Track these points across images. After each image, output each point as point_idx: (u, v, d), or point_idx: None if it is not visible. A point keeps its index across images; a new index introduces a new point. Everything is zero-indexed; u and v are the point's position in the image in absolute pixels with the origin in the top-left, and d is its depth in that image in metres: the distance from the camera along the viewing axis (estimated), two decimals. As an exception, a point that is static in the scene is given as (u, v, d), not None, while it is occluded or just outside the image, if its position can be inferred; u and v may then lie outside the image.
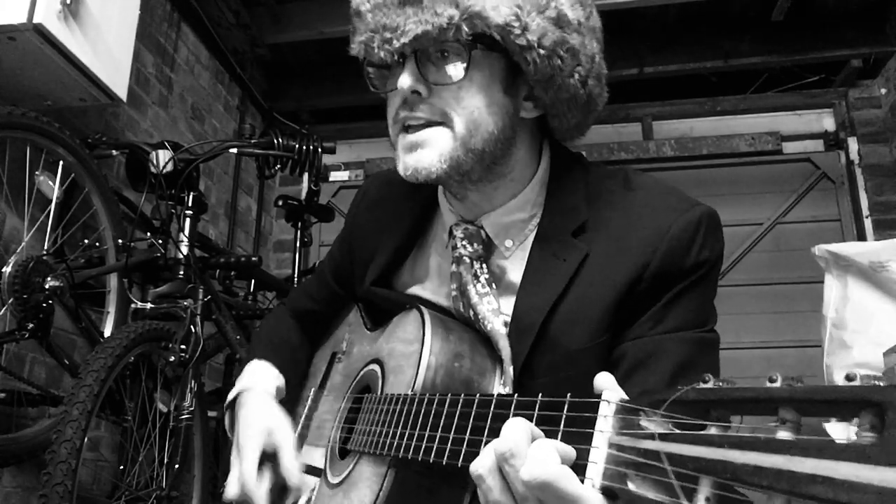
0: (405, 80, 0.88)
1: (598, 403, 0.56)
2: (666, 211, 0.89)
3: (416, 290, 1.07)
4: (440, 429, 0.76)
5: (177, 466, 1.87)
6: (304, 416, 1.18)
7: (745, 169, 3.87)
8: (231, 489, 1.02)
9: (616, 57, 3.76)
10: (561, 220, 0.94)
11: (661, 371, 0.84)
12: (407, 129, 0.92)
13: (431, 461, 0.75)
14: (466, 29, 0.85)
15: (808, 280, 3.38)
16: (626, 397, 0.57)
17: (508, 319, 0.93)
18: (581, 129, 1.00)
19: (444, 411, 0.76)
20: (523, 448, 0.58)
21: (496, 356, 0.93)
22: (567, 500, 0.54)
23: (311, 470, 1.06)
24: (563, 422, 0.59)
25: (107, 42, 2.18)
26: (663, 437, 0.48)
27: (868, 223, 3.61)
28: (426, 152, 0.89)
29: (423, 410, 0.80)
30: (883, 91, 3.73)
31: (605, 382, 0.59)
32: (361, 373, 1.07)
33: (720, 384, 0.48)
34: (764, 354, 3.57)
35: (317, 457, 1.07)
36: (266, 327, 1.30)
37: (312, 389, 1.21)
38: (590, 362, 0.87)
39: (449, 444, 0.73)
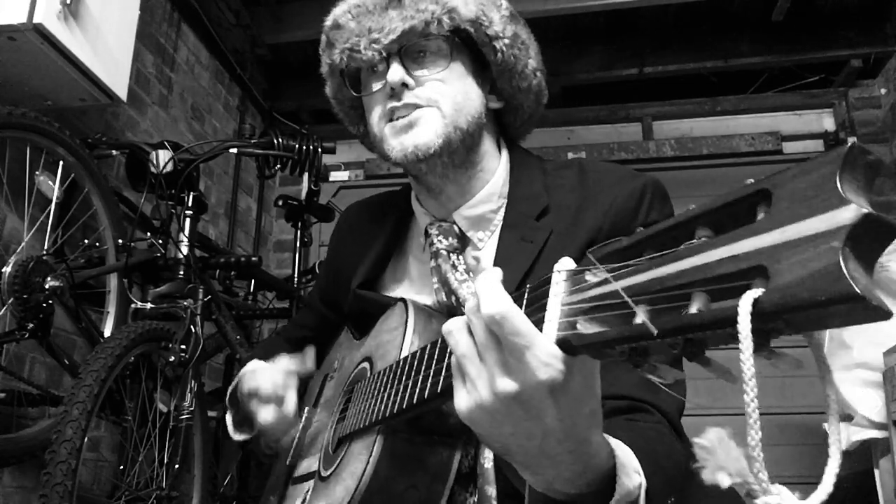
0: (395, 74, 0.97)
1: (550, 276, 0.60)
2: (614, 183, 0.99)
3: (398, 292, 1.12)
4: (421, 373, 0.78)
5: (177, 466, 1.87)
6: (297, 434, 1.19)
7: (745, 169, 3.86)
8: (263, 415, 1.10)
9: (616, 57, 3.77)
10: (525, 208, 1.02)
11: None
12: (395, 119, 0.99)
13: (416, 401, 0.76)
14: (447, 21, 0.96)
15: (808, 280, 3.38)
16: (576, 266, 0.60)
17: None
18: (531, 123, 1.12)
19: (426, 355, 0.78)
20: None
21: None
22: (520, 337, 0.56)
23: (307, 477, 1.06)
24: (524, 303, 0.62)
25: (107, 42, 2.18)
26: (601, 283, 0.53)
27: (868, 223, 3.61)
28: (421, 130, 0.97)
29: (406, 367, 0.82)
30: (883, 91, 3.73)
31: (563, 260, 0.62)
32: (352, 374, 1.08)
33: (646, 228, 0.52)
34: (764, 354, 3.57)
35: (313, 466, 1.08)
36: (260, 347, 1.39)
37: (306, 409, 1.22)
38: None
39: (430, 381, 0.75)
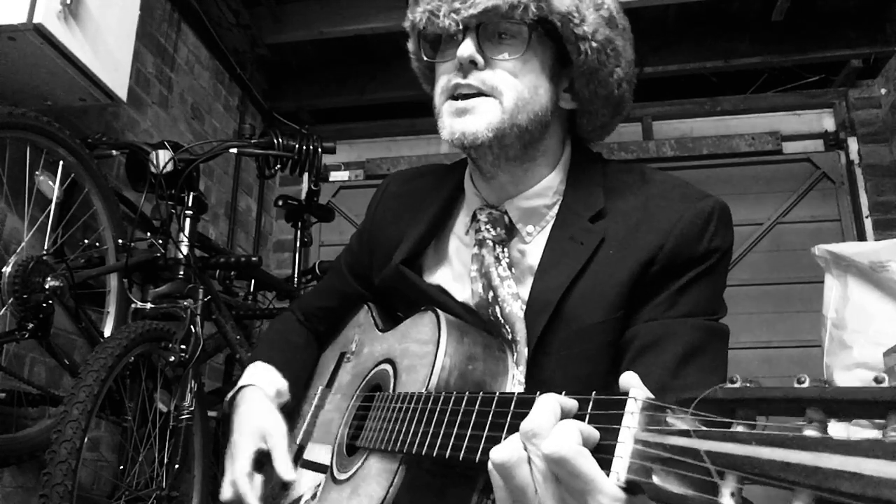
0: (466, 49, 0.93)
1: (624, 400, 0.56)
2: (680, 200, 0.94)
3: (438, 273, 1.09)
4: (457, 425, 0.76)
5: (177, 466, 1.87)
6: (310, 414, 1.18)
7: (745, 169, 3.87)
8: (225, 491, 1.05)
9: (616, 57, 3.76)
10: (580, 207, 0.98)
11: (671, 353, 0.86)
12: (455, 97, 0.95)
13: (447, 456, 0.74)
14: (533, 9, 0.91)
15: (808, 280, 3.38)
16: (652, 396, 0.57)
17: (525, 302, 0.96)
18: (605, 131, 1.06)
19: (462, 409, 0.76)
20: (547, 427, 0.58)
21: (509, 356, 0.94)
22: (581, 480, 0.54)
23: (316, 466, 1.06)
24: (587, 419, 0.59)
25: (107, 42, 2.18)
26: (691, 434, 0.49)
27: (868, 223, 3.61)
28: (475, 119, 0.93)
29: (438, 408, 0.81)
30: (883, 91, 3.73)
31: (631, 381, 0.59)
32: (372, 372, 1.07)
33: (747, 384, 0.48)
34: (763, 354, 3.57)
35: (323, 454, 1.07)
36: (271, 331, 1.33)
37: (320, 388, 1.21)
38: (601, 339, 0.91)
39: (466, 441, 0.73)
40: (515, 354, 0.94)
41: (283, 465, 1.04)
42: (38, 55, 1.98)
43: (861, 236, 3.58)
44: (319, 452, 1.09)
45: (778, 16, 3.49)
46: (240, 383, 1.15)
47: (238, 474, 1.04)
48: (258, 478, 1.06)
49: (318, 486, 1.02)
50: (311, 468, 1.08)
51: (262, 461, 1.07)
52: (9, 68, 2.04)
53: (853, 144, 3.76)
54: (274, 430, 1.07)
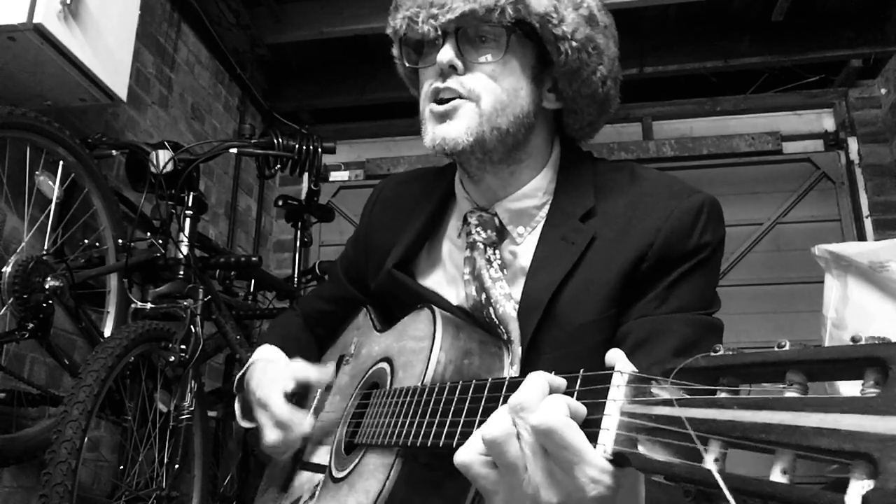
0: (445, 54, 0.94)
1: (610, 375, 0.57)
2: (669, 197, 0.94)
3: (431, 277, 1.09)
4: (451, 414, 0.76)
5: (177, 466, 1.87)
6: (310, 414, 1.18)
7: (745, 169, 3.87)
8: (269, 435, 1.04)
9: (616, 57, 3.76)
10: (570, 207, 0.98)
11: (664, 349, 0.86)
12: (437, 102, 0.96)
13: (442, 445, 0.74)
14: (510, 12, 0.91)
15: (808, 280, 3.38)
16: (636, 369, 0.58)
17: (518, 303, 0.96)
18: (593, 129, 1.06)
19: (455, 398, 0.77)
20: (535, 401, 0.58)
21: (504, 353, 0.94)
22: (569, 452, 0.55)
23: (315, 467, 1.06)
24: (575, 395, 0.60)
25: (107, 42, 2.18)
26: (674, 403, 0.50)
27: (868, 223, 3.61)
28: (454, 124, 0.94)
29: (433, 399, 0.81)
30: (883, 91, 3.73)
31: (617, 357, 0.60)
32: (370, 371, 1.07)
33: (729, 352, 0.49)
34: (764, 354, 3.57)
35: (322, 454, 1.07)
36: (275, 325, 1.34)
37: (318, 391, 1.21)
38: (594, 338, 0.91)
39: (459, 427, 0.73)
40: (510, 354, 0.94)
41: (319, 373, 1.08)
42: (38, 55, 1.98)
43: (861, 236, 3.58)
44: (319, 453, 1.09)
45: (778, 16, 3.49)
46: (250, 361, 1.16)
47: (279, 411, 1.03)
48: (298, 409, 1.05)
49: (317, 486, 1.02)
50: (311, 469, 1.07)
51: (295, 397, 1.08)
52: (9, 68, 2.04)
53: (853, 144, 3.76)
54: (300, 364, 1.10)
